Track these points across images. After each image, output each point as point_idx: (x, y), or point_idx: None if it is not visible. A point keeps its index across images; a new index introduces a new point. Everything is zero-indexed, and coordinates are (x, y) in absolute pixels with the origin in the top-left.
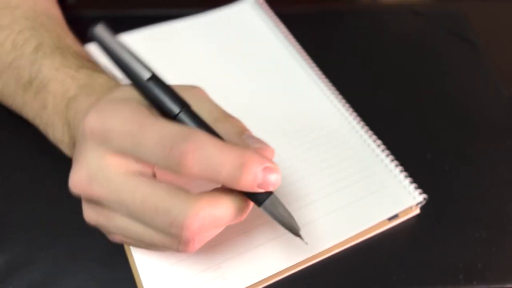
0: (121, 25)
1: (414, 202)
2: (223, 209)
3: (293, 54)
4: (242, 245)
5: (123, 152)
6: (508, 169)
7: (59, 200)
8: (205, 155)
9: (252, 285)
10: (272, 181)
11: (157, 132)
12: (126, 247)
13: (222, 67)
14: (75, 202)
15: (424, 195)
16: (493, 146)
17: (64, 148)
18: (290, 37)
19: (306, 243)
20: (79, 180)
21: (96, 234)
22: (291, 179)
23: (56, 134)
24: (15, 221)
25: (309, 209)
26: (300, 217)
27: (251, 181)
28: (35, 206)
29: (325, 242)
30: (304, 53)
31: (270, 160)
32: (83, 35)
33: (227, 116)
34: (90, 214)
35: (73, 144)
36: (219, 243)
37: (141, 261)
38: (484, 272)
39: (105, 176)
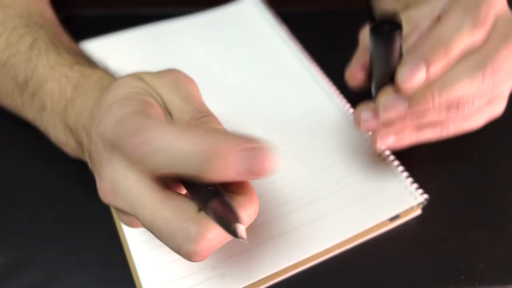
0: (122, 23)
1: (415, 203)
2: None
3: (295, 52)
4: (241, 244)
5: (135, 162)
6: (509, 169)
7: (58, 200)
8: (159, 146)
9: (250, 284)
10: (264, 164)
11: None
12: (125, 247)
13: (223, 65)
14: (74, 203)
15: (426, 196)
16: (494, 145)
17: (70, 151)
18: (292, 35)
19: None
20: (104, 193)
21: (95, 235)
22: (292, 178)
23: (59, 136)
24: (14, 222)
25: (309, 208)
26: (301, 217)
27: (226, 168)
28: (34, 207)
29: (326, 242)
30: (305, 52)
31: (252, 141)
32: (81, 33)
33: (202, 111)
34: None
35: (82, 149)
36: None
37: (140, 260)
38: (486, 273)
39: (125, 189)
